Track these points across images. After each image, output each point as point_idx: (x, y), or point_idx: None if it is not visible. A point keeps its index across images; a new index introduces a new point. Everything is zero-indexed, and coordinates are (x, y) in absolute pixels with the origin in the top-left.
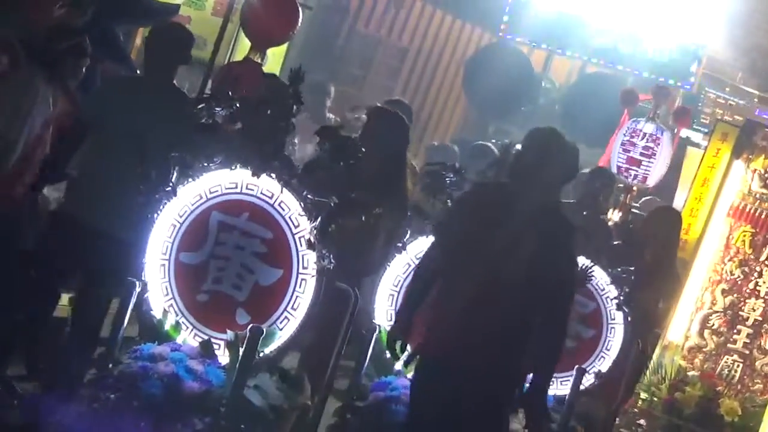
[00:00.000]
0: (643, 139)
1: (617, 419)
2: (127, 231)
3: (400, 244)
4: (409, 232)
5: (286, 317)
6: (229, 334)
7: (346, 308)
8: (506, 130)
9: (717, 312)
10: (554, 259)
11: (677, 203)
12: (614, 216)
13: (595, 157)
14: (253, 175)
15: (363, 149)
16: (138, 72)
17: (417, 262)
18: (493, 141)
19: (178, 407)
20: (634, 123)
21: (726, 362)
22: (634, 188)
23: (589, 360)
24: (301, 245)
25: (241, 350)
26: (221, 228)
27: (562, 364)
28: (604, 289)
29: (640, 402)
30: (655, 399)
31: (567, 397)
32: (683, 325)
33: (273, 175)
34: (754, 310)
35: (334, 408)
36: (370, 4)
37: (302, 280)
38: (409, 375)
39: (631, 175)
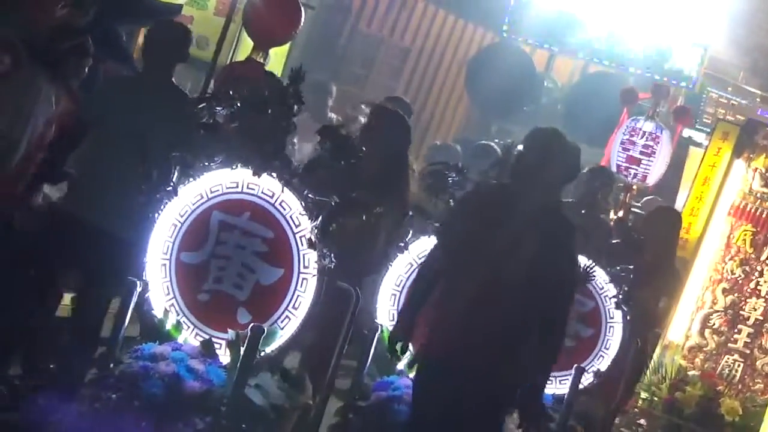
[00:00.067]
0: (642, 137)
1: (617, 418)
2: (127, 230)
3: (402, 244)
4: (411, 231)
5: (287, 316)
6: (230, 334)
7: (347, 308)
8: (508, 129)
9: (718, 311)
10: (555, 260)
11: (679, 203)
12: (615, 215)
13: (597, 156)
14: (254, 174)
15: (364, 148)
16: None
17: (420, 263)
18: (496, 141)
19: (179, 407)
20: (633, 121)
21: (727, 362)
22: (634, 187)
23: (588, 359)
24: (302, 244)
25: (242, 350)
26: (222, 227)
27: (561, 362)
28: (603, 288)
29: (640, 401)
30: (656, 398)
31: (566, 396)
32: (684, 324)
33: (274, 175)
34: (755, 310)
35: (335, 408)
36: (372, 4)
37: (303, 279)
38: (412, 375)
39: (630, 173)
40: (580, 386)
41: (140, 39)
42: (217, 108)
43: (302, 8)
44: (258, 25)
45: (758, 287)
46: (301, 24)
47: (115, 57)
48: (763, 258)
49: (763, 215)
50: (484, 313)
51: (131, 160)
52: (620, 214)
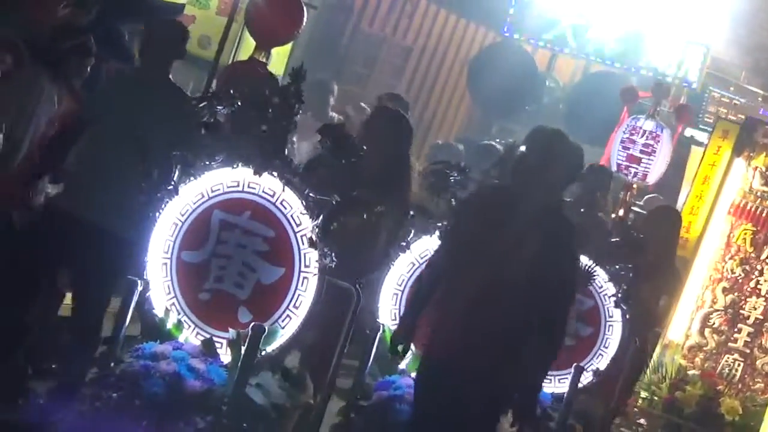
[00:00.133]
0: (642, 136)
1: (616, 418)
2: (123, 227)
3: (404, 243)
4: (412, 231)
5: (288, 316)
6: (231, 333)
7: (348, 307)
8: (510, 129)
9: (718, 310)
10: (558, 261)
11: (681, 203)
12: (615, 214)
13: (598, 156)
14: (255, 173)
15: (365, 147)
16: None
17: (423, 265)
18: (498, 140)
19: (180, 406)
20: (633, 120)
21: (727, 361)
22: (634, 186)
23: (587, 358)
24: (303, 244)
25: (243, 349)
26: (223, 226)
27: (560, 361)
28: (602, 287)
29: (640, 401)
30: (656, 398)
31: (565, 395)
32: (684, 323)
33: (275, 174)
34: (755, 309)
35: (337, 407)
36: (374, 4)
37: (304, 278)
38: (413, 374)
39: (630, 172)
40: (580, 385)
41: None
42: (218, 107)
43: (304, 8)
44: (260, 25)
45: (758, 286)
46: (304, 23)
47: (117, 56)
48: (763, 257)
49: (764, 214)
50: (486, 314)
51: (128, 158)
52: (620, 213)
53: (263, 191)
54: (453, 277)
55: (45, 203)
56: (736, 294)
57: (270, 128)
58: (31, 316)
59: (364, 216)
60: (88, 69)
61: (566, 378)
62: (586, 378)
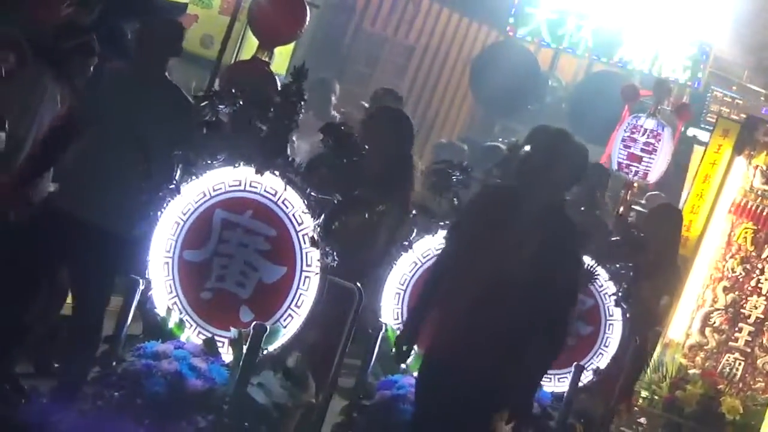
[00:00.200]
0: (643, 135)
1: (617, 417)
2: (120, 226)
3: (406, 243)
4: (415, 230)
5: (289, 315)
6: (233, 332)
7: (350, 306)
8: (513, 128)
9: (718, 310)
10: (562, 261)
11: (683, 203)
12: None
13: (600, 155)
14: (257, 172)
15: (366, 146)
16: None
17: (429, 268)
18: (501, 140)
19: (181, 405)
20: (634, 119)
21: (727, 360)
22: (635, 184)
23: (588, 357)
24: (304, 243)
25: (245, 348)
26: (225, 226)
27: (560, 360)
28: (602, 286)
29: (640, 400)
30: (656, 397)
31: (565, 394)
32: (684, 322)
33: (276, 173)
34: (756, 308)
35: (340, 407)
36: (376, 3)
37: (306, 277)
38: (416, 374)
39: (631, 171)
40: (580, 384)
41: None
42: (220, 106)
43: (307, 7)
44: (263, 24)
45: (759, 285)
46: (306, 23)
47: (120, 55)
48: (763, 256)
49: (764, 213)
50: (489, 314)
51: (124, 156)
52: (621, 211)
53: (265, 190)
54: (457, 277)
55: (44, 202)
56: (736, 293)
57: (272, 127)
58: (31, 315)
59: (366, 215)
60: (91, 68)
61: (566, 377)
62: (586, 377)
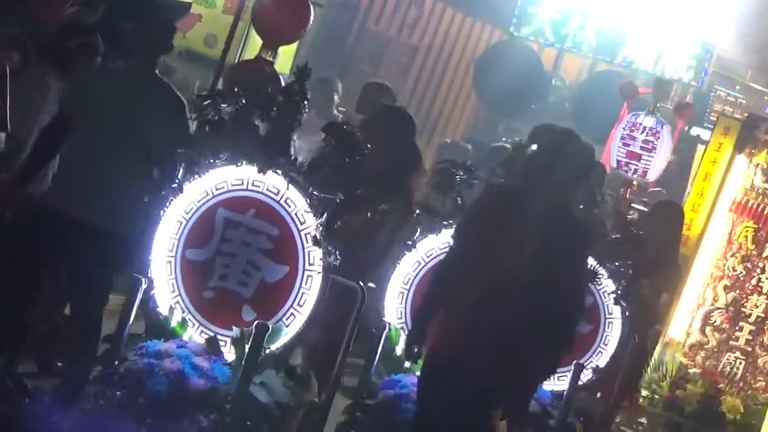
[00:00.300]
0: (643, 133)
1: (617, 416)
2: (119, 225)
3: (410, 242)
4: (418, 230)
5: (292, 314)
6: (235, 331)
7: (353, 305)
8: (516, 128)
9: (719, 308)
10: (568, 263)
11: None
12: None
13: (601, 155)
14: (259, 171)
15: (369, 145)
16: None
17: (435, 268)
18: (504, 140)
19: (183, 404)
20: (633, 117)
21: (728, 359)
22: (634, 182)
23: (587, 355)
24: (307, 242)
25: (247, 347)
26: (227, 225)
27: None
28: (601, 284)
29: (641, 399)
30: (656, 396)
31: (565, 393)
32: (685, 321)
33: (279, 172)
34: (757, 307)
35: (343, 406)
36: (380, 2)
37: (308, 276)
38: (419, 373)
39: (630, 169)
40: (579, 382)
41: None
42: (223, 105)
43: (311, 6)
44: (267, 23)
45: (760, 284)
46: (310, 22)
47: (124, 55)
48: (764, 255)
49: (765, 211)
50: (494, 313)
51: (114, 153)
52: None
53: (267, 189)
54: (463, 277)
55: (42, 200)
56: (737, 292)
57: (274, 126)
58: (33, 314)
59: (369, 214)
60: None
61: (566, 375)
62: (585, 375)
